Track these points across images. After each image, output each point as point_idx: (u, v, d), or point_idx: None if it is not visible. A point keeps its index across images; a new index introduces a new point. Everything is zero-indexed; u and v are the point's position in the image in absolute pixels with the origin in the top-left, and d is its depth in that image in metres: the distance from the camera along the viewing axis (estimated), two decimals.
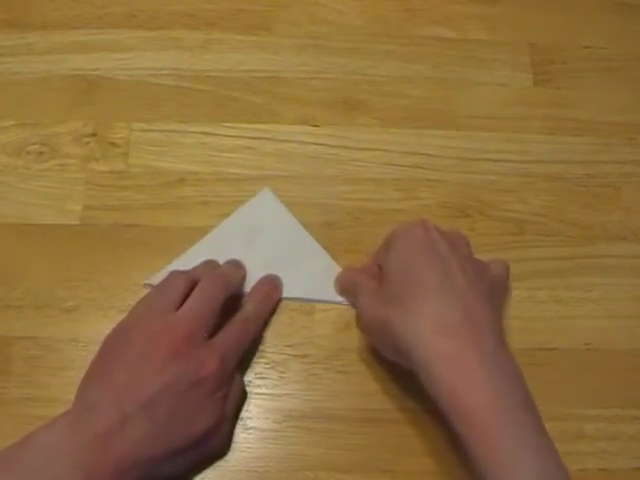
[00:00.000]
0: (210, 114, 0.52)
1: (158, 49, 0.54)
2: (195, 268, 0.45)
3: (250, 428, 0.43)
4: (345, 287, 0.46)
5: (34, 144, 0.51)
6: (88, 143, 0.51)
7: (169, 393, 0.38)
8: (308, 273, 0.47)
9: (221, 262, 0.46)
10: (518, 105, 0.54)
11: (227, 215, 0.49)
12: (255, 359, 0.45)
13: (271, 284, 0.47)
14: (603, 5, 0.59)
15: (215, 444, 0.41)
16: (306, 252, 0.48)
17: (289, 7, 0.57)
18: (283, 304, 0.47)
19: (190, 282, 0.43)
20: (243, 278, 0.46)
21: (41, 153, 0.50)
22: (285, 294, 0.47)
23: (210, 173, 0.50)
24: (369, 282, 0.44)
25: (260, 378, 0.45)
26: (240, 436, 0.43)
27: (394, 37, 0.56)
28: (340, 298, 0.47)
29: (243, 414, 0.44)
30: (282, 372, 0.45)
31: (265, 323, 0.46)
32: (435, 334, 0.37)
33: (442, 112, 0.53)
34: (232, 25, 0.55)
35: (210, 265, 0.46)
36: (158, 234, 0.48)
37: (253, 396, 0.44)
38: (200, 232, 0.48)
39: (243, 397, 0.44)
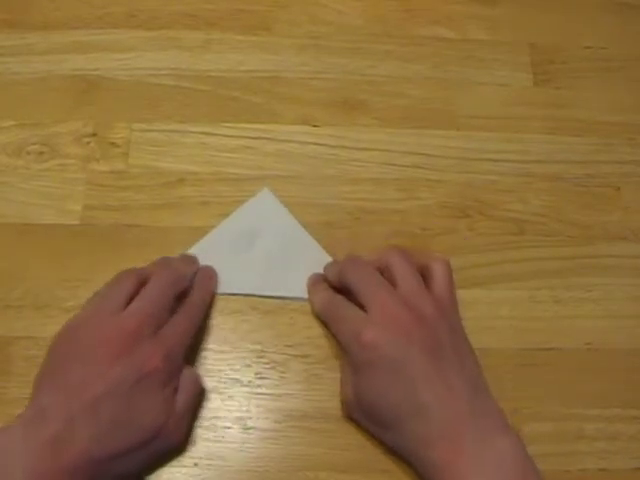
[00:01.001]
0: (210, 114, 0.52)
1: (158, 49, 0.54)
2: (147, 266, 0.45)
3: (250, 428, 0.43)
4: (333, 326, 0.45)
5: (34, 144, 0.51)
6: (88, 143, 0.51)
7: (114, 392, 0.38)
8: (308, 273, 0.47)
9: (220, 263, 0.47)
10: (518, 105, 0.54)
11: (227, 215, 0.49)
12: (255, 359, 0.45)
13: (209, 273, 0.47)
14: (603, 5, 0.59)
15: (169, 441, 0.40)
16: (306, 252, 0.48)
17: (289, 7, 0.57)
18: (283, 304, 0.47)
19: (139, 280, 0.42)
20: (194, 273, 0.46)
21: (41, 153, 0.50)
22: (285, 293, 0.47)
23: (210, 173, 0.50)
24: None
25: (260, 378, 0.45)
26: (240, 436, 0.43)
27: (394, 37, 0.56)
28: None
29: (243, 414, 0.44)
30: (282, 372, 0.45)
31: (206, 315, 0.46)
32: (424, 451, 0.39)
33: (442, 112, 0.53)
34: (232, 25, 0.55)
35: (162, 262, 0.45)
36: (158, 234, 0.48)
37: (253, 396, 0.44)
38: (200, 232, 0.48)
39: (196, 390, 0.42)
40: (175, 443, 0.41)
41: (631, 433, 0.44)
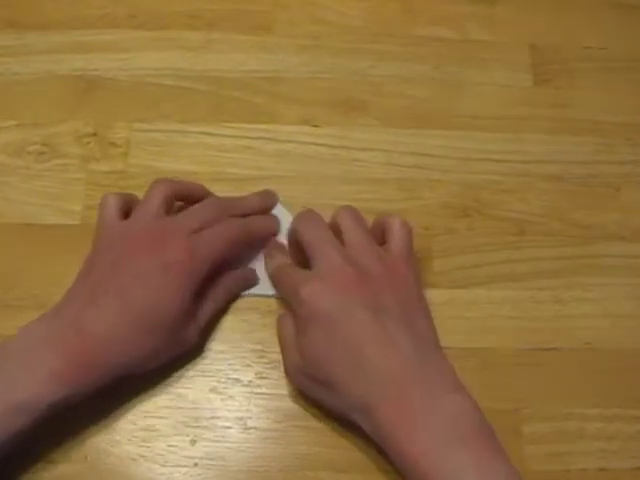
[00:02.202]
0: (210, 114, 0.52)
1: (158, 49, 0.54)
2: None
3: (250, 428, 0.43)
4: (279, 288, 0.45)
5: (34, 144, 0.51)
6: (88, 143, 0.51)
7: (139, 278, 0.40)
8: None
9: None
10: (518, 105, 0.54)
11: None
12: (255, 359, 0.45)
13: (269, 221, 0.47)
14: (603, 5, 0.59)
15: (180, 338, 0.42)
16: None
17: (289, 7, 0.57)
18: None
19: (174, 192, 0.45)
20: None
21: (41, 153, 0.50)
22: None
23: (210, 173, 0.50)
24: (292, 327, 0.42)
25: (260, 378, 0.45)
26: (240, 436, 0.43)
27: (394, 37, 0.56)
28: None
29: (243, 414, 0.44)
30: (282, 372, 0.45)
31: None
32: (372, 409, 0.38)
33: (442, 112, 0.53)
34: (232, 25, 0.55)
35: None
36: None
37: (253, 396, 0.44)
38: None
39: (223, 303, 0.45)
40: (186, 347, 0.43)
41: (631, 433, 0.44)
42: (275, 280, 0.45)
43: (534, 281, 0.48)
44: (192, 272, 0.41)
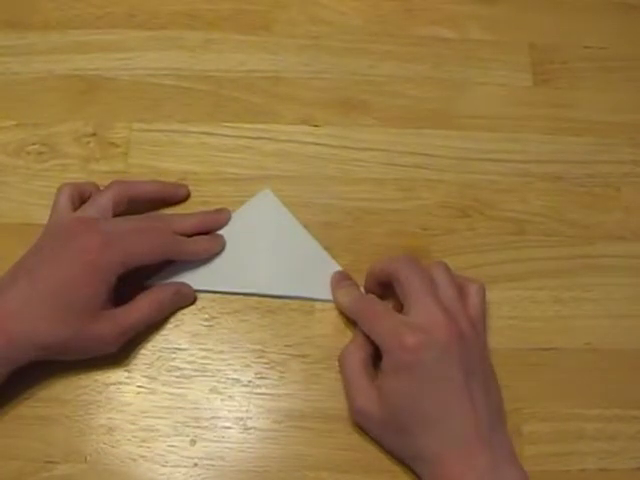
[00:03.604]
0: (210, 114, 0.52)
1: (158, 49, 0.54)
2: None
3: (250, 428, 0.43)
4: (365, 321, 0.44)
5: (34, 144, 0.51)
6: (88, 143, 0.51)
7: (54, 260, 0.42)
8: (308, 272, 0.47)
9: (221, 263, 0.47)
10: (518, 105, 0.54)
11: None
12: (255, 359, 0.45)
13: (211, 243, 0.47)
14: (603, 5, 0.59)
15: (95, 333, 0.42)
16: (306, 251, 0.48)
17: (289, 7, 0.57)
18: (283, 304, 0.47)
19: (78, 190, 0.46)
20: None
21: (41, 153, 0.50)
22: (286, 293, 0.47)
23: (210, 173, 0.50)
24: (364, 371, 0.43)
25: (260, 378, 0.45)
26: (240, 436, 0.43)
27: (394, 37, 0.56)
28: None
29: (243, 414, 0.44)
30: (282, 372, 0.45)
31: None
32: (437, 460, 0.39)
33: (442, 112, 0.53)
34: (232, 25, 0.55)
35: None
36: None
37: (253, 396, 0.44)
38: None
39: (150, 316, 0.44)
40: (104, 346, 0.43)
41: (631, 433, 0.44)
42: (361, 313, 0.44)
43: (534, 281, 0.48)
44: (104, 264, 0.42)
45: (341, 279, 0.47)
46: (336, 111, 0.53)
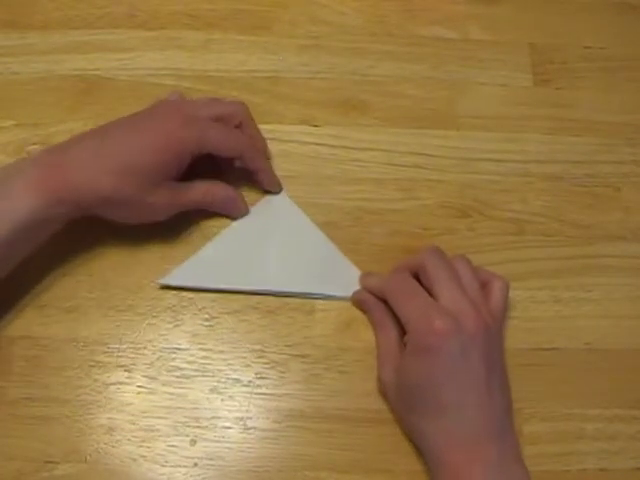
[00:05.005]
0: None
1: (158, 49, 0.54)
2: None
3: (250, 428, 0.43)
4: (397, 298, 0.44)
5: (34, 144, 0.51)
6: None
7: (131, 126, 0.44)
8: (324, 270, 0.47)
9: (233, 261, 0.47)
10: (518, 105, 0.54)
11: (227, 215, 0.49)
12: (255, 359, 0.45)
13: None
14: (603, 5, 0.59)
15: (150, 200, 0.43)
16: (318, 249, 0.48)
17: (289, 7, 0.57)
18: (283, 304, 0.47)
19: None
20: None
21: None
22: (297, 289, 0.47)
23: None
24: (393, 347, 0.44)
25: (260, 378, 0.45)
26: (240, 436, 0.43)
27: (394, 37, 0.56)
28: (350, 293, 0.47)
29: (243, 414, 0.44)
30: (282, 372, 0.45)
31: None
32: (446, 446, 0.40)
33: (442, 112, 0.53)
34: (232, 25, 0.55)
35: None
36: (159, 234, 0.48)
37: (253, 396, 0.44)
38: (201, 232, 0.48)
39: (194, 207, 0.47)
40: (153, 213, 0.45)
41: (631, 433, 0.44)
42: (400, 291, 0.44)
43: (534, 281, 0.48)
44: (181, 137, 0.44)
45: (369, 273, 0.47)
46: (336, 111, 0.53)
